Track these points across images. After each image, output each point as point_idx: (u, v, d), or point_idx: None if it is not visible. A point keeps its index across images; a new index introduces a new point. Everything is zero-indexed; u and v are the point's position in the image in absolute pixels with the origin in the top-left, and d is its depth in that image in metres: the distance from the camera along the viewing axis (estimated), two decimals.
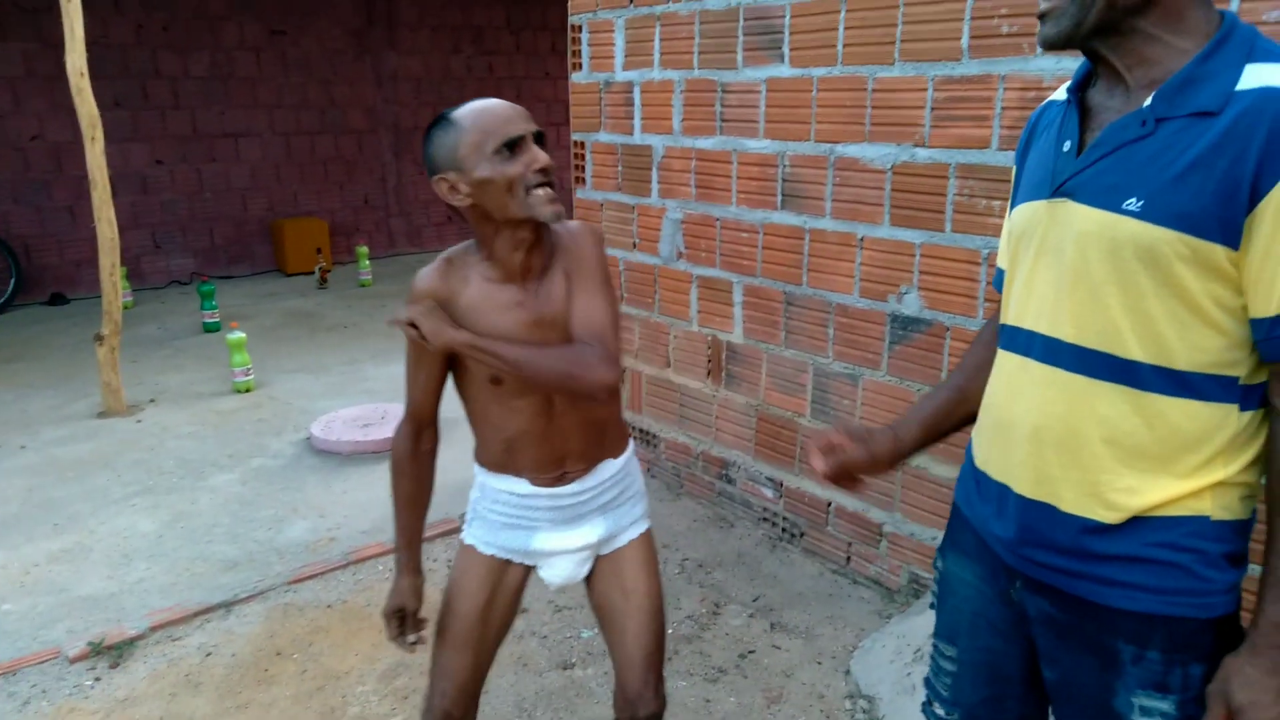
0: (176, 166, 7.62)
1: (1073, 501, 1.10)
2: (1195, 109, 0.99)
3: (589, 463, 1.68)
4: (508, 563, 1.72)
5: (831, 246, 2.79)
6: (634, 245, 3.53)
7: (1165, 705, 1.07)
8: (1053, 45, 1.08)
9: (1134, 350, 1.04)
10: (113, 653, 2.60)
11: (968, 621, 1.29)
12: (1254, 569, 1.08)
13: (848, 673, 2.49)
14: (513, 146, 1.45)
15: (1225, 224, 0.97)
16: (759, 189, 2.98)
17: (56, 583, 3.00)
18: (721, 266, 3.18)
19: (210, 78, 7.62)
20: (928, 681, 1.39)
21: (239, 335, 4.86)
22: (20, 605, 2.88)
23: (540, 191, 1.46)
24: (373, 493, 3.60)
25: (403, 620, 1.71)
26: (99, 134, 4.30)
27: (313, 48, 8.10)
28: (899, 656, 2.40)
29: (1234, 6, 1.89)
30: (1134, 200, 1.01)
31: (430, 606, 1.72)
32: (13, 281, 6.84)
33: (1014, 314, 1.18)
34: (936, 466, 2.62)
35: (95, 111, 4.27)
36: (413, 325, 1.49)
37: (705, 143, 3.13)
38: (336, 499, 3.60)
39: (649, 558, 1.76)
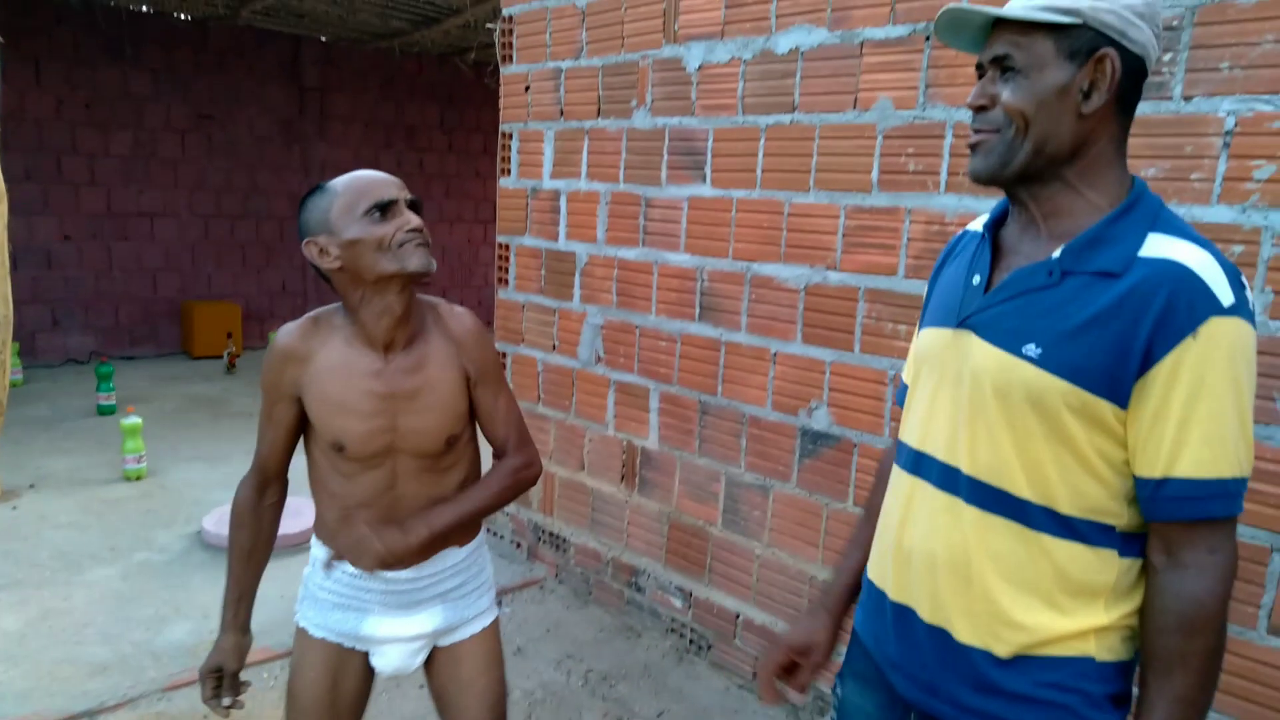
0: (86, 243, 7.39)
1: (967, 631, 1.11)
2: (1099, 268, 1.03)
3: (426, 551, 1.61)
4: (342, 647, 1.64)
5: (746, 359, 2.86)
6: (554, 347, 3.54)
7: None
8: (979, 179, 1.12)
9: (1024, 489, 1.07)
10: None
11: None
12: None
13: None
14: (384, 209, 1.46)
15: (1116, 382, 1.01)
16: (678, 300, 3.05)
17: None
18: (639, 373, 3.22)
19: (131, 156, 7.49)
20: None
21: (134, 420, 4.64)
22: None
23: (408, 244, 1.46)
24: (263, 590, 3.39)
25: (219, 681, 1.61)
26: (3, 208, 4.15)
27: (241, 133, 8.07)
28: None
29: None
30: (1033, 346, 1.05)
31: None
32: None
33: (915, 436, 1.20)
34: None
35: (2, 186, 4.13)
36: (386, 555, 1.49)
37: (628, 253, 3.21)
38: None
39: (491, 650, 1.70)
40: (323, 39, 8.25)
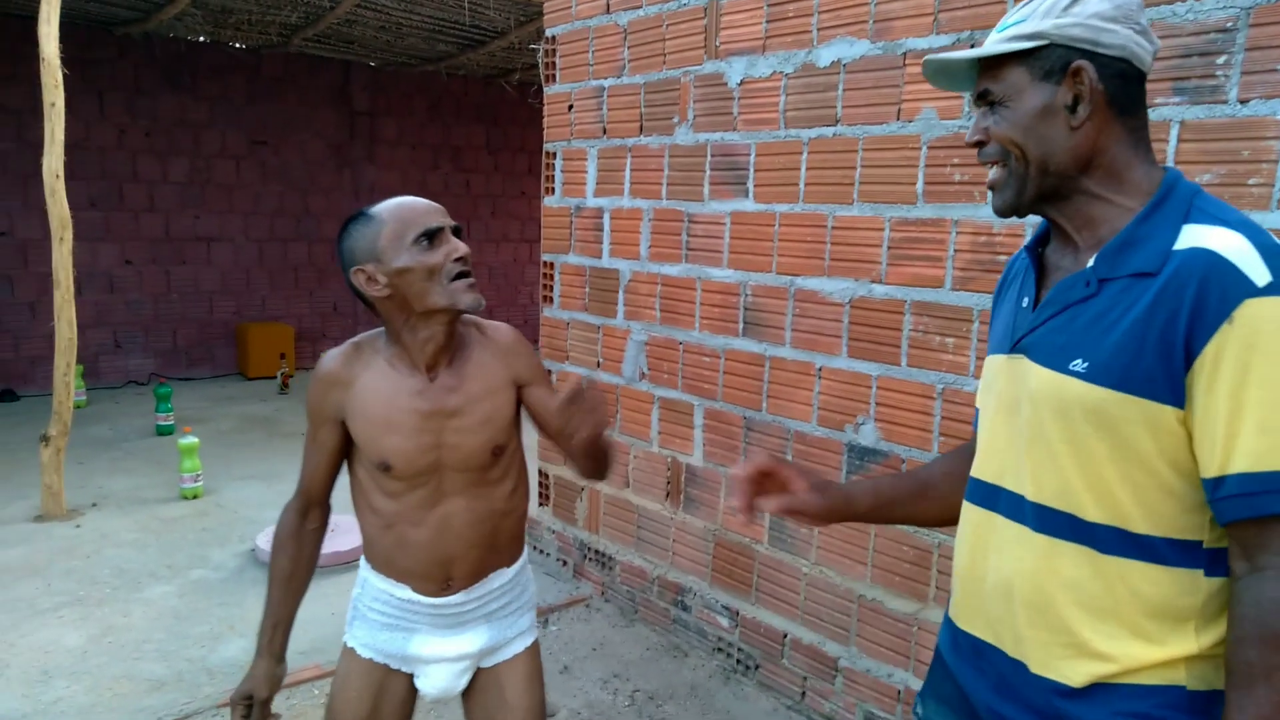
0: (146, 267, 7.63)
1: (1040, 662, 1.07)
2: (1135, 269, 1.01)
3: (478, 573, 1.63)
4: (388, 669, 1.64)
5: (791, 374, 2.83)
6: (598, 364, 3.55)
7: None
8: (1003, 215, 1.14)
9: (1091, 512, 1.02)
10: None
11: None
12: None
13: None
14: (432, 237, 1.48)
15: (1169, 383, 0.97)
16: (721, 316, 3.04)
17: None
18: (683, 389, 3.20)
19: (188, 183, 7.72)
20: None
21: (191, 440, 4.76)
22: None
23: (460, 282, 1.48)
24: (314, 609, 3.46)
25: (249, 709, 1.61)
26: (68, 235, 4.31)
27: (293, 158, 8.27)
28: None
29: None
30: (1080, 361, 1.02)
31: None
32: None
33: (979, 466, 1.18)
34: (892, 600, 2.59)
35: (67, 214, 4.28)
36: None
37: (671, 269, 3.20)
38: None
39: (534, 672, 1.69)
40: (371, 64, 8.44)
